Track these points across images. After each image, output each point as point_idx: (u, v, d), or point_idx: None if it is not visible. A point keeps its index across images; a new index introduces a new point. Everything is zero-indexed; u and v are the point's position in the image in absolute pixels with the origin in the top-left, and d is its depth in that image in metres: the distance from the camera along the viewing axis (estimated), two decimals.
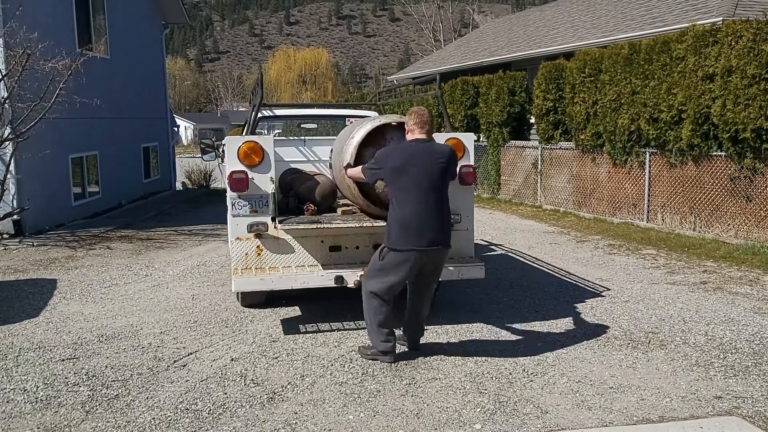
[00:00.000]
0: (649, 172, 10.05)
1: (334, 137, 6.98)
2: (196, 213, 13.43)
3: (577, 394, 4.00)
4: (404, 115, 4.82)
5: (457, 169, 4.81)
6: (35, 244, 9.50)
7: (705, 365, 4.46)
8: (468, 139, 5.34)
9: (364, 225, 5.05)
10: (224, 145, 5.25)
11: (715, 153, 8.86)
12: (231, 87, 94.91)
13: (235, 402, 3.93)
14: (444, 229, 4.41)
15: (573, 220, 11.33)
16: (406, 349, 4.76)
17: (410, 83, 10.09)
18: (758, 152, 8.25)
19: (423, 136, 4.45)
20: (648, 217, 10.21)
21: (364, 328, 5.19)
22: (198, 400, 3.96)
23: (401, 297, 4.64)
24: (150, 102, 16.76)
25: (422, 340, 4.96)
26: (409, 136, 4.53)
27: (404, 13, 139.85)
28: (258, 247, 5.09)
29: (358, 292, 4.97)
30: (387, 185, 4.51)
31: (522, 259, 8.12)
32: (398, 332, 4.76)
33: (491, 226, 10.82)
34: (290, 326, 5.39)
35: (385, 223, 4.61)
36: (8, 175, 9.79)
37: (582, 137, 11.39)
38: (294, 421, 3.67)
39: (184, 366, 4.53)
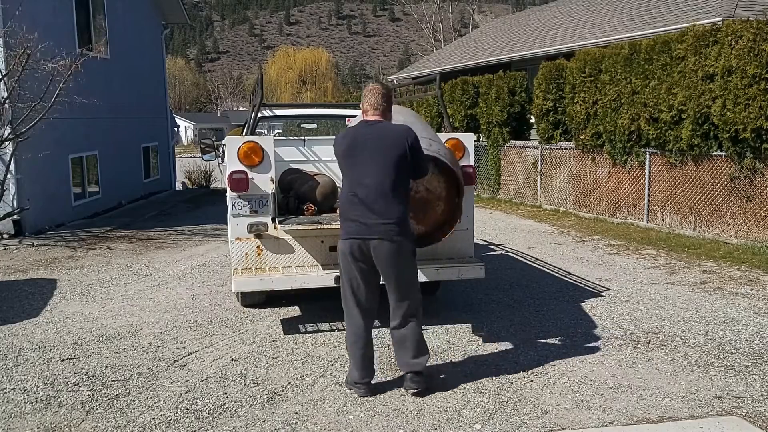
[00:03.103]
0: (649, 172, 10.05)
1: (335, 137, 6.97)
2: (196, 213, 13.43)
3: (577, 394, 4.00)
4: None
5: (418, 149, 4.02)
6: (35, 244, 9.50)
7: (705, 365, 4.46)
8: (468, 139, 5.34)
9: None
10: (224, 145, 5.25)
11: (715, 153, 8.86)
12: (231, 87, 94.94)
13: (235, 402, 3.93)
14: (390, 218, 3.84)
15: (573, 220, 11.33)
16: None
17: (410, 83, 10.10)
18: (758, 152, 8.25)
19: (375, 117, 4.02)
20: (648, 217, 10.21)
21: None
22: (198, 400, 3.96)
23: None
24: (150, 102, 16.76)
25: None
26: (364, 117, 4.12)
27: (404, 13, 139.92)
28: (258, 247, 5.09)
29: None
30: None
31: (522, 259, 8.12)
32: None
33: (491, 226, 10.82)
34: (290, 326, 5.39)
35: None
36: (8, 175, 9.79)
37: (582, 137, 11.39)
38: (294, 421, 3.67)
39: (184, 366, 4.53)
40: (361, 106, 4.14)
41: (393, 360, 4.37)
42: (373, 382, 4.05)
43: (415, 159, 3.99)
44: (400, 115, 4.44)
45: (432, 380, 4.15)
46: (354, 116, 7.08)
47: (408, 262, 3.97)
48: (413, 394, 3.96)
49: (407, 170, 3.96)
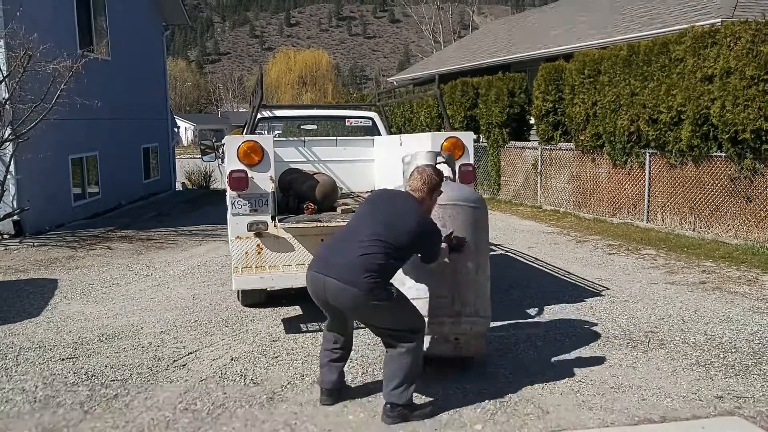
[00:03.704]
0: (649, 173, 10.05)
1: (334, 138, 6.99)
2: (196, 213, 13.43)
3: (578, 394, 4.00)
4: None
5: (424, 245, 3.74)
6: (35, 244, 9.50)
7: (705, 365, 4.46)
8: (467, 137, 5.34)
9: None
10: (224, 145, 5.26)
11: (714, 154, 8.86)
12: (231, 88, 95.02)
13: (235, 402, 3.92)
14: (351, 271, 3.48)
15: (573, 220, 11.33)
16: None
17: (410, 84, 10.11)
18: (758, 153, 8.25)
19: (412, 193, 3.80)
20: (648, 218, 10.21)
21: (363, 328, 5.19)
22: (197, 400, 3.95)
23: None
24: (150, 103, 16.77)
25: None
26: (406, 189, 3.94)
27: (404, 14, 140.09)
28: (258, 245, 5.09)
29: None
30: None
31: (522, 259, 8.12)
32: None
33: (491, 226, 10.69)
34: (291, 325, 5.39)
35: None
36: (8, 176, 9.79)
37: (582, 138, 11.39)
38: (294, 421, 3.67)
39: (184, 366, 4.53)
40: (411, 177, 3.91)
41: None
42: (344, 388, 3.94)
43: (419, 253, 3.78)
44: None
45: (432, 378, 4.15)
46: (354, 117, 7.09)
47: (372, 311, 3.58)
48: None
49: (396, 256, 3.61)
